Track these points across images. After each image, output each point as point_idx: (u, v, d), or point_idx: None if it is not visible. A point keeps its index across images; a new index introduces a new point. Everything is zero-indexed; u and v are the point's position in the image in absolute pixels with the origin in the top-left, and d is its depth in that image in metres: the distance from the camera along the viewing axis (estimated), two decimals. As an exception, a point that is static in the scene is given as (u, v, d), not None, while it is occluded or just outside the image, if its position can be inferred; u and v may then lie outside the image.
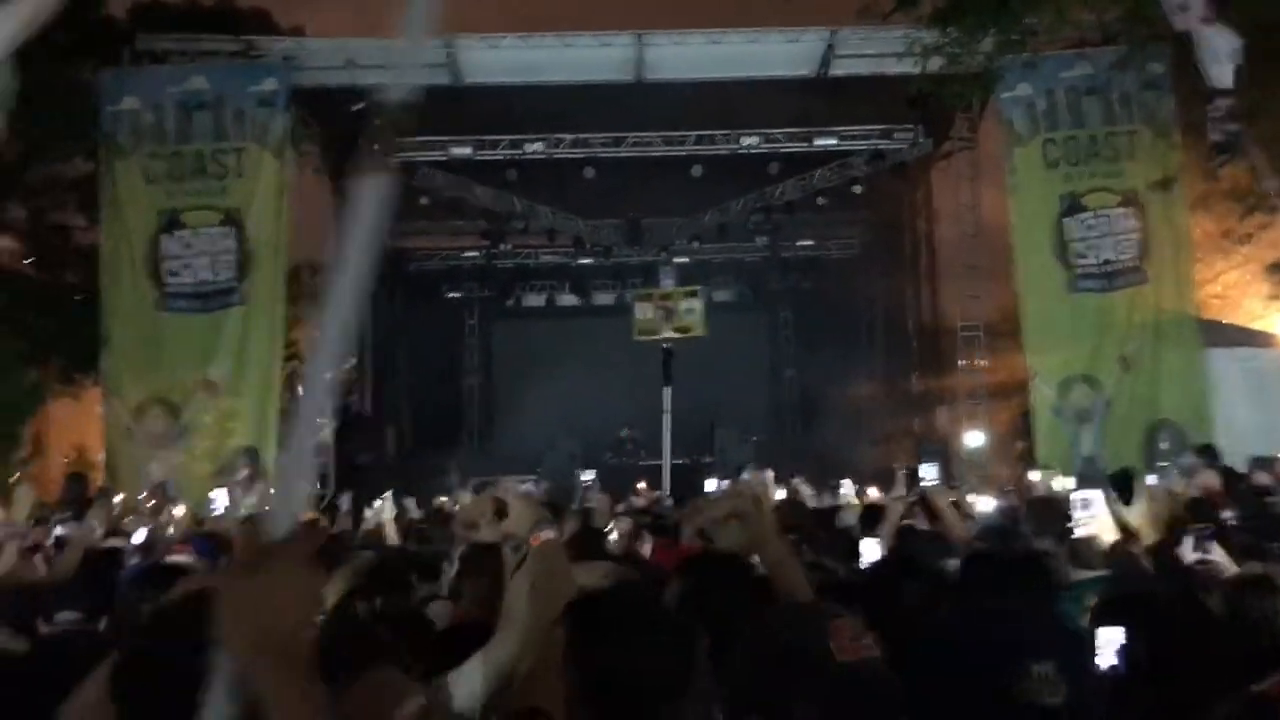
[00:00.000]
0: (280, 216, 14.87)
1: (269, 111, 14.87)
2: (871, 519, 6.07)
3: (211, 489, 11.85)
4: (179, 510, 8.04)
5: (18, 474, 10.66)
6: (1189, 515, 5.28)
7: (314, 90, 15.87)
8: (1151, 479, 8.59)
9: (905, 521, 5.71)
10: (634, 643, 1.71)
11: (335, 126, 16.76)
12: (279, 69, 15.22)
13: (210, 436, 14.46)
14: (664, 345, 16.27)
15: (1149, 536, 4.33)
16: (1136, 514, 4.54)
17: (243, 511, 9.12)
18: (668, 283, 18.62)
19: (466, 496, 9.31)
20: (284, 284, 15.06)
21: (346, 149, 16.91)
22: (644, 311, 16.84)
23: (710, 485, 9.29)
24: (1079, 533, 4.48)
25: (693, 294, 17.03)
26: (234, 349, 14.56)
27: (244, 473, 14.31)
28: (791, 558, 2.42)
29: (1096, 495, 4.34)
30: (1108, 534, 4.42)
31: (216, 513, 7.25)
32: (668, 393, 15.84)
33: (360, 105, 15.82)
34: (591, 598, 2.03)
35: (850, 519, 7.19)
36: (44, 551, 6.36)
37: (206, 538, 6.58)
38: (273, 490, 1.28)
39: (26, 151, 16.76)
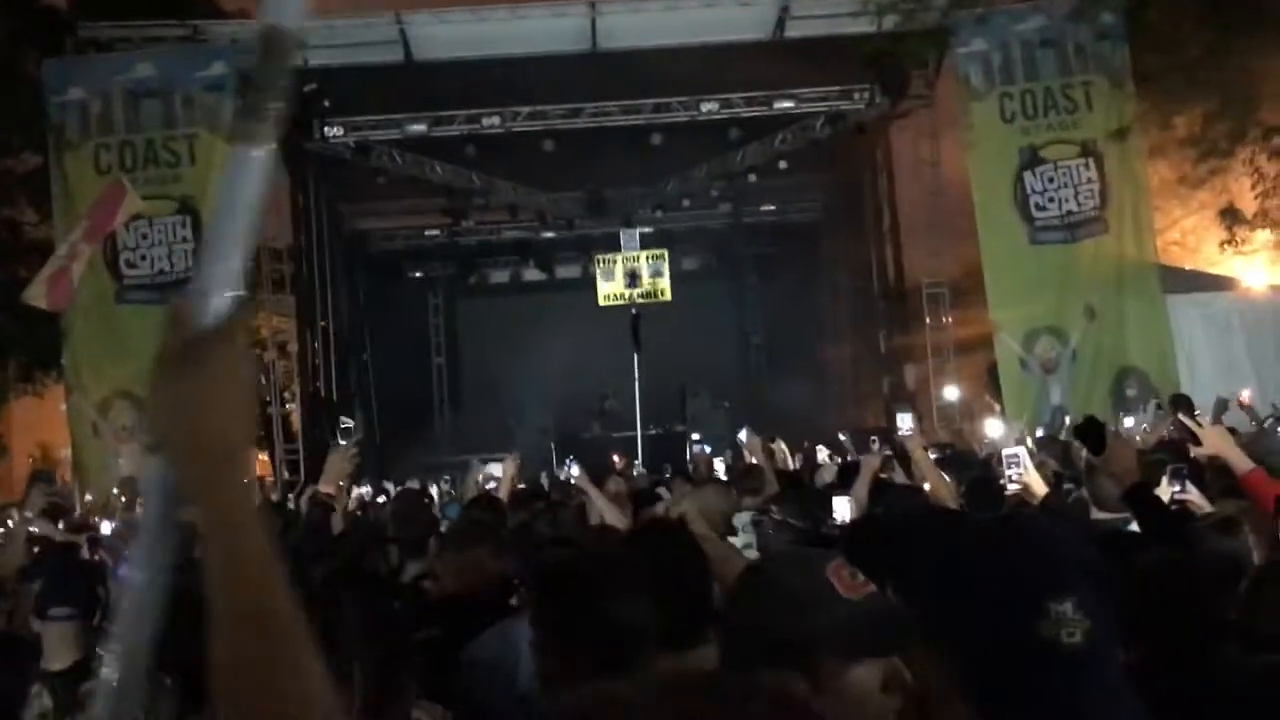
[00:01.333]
0: (235, 202, 14.62)
1: (218, 96, 14.62)
2: (848, 476, 6.07)
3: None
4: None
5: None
6: (1161, 457, 5.32)
7: (263, 72, 15.58)
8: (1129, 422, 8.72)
9: (882, 475, 5.69)
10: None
11: (287, 107, 16.51)
12: (226, 52, 14.96)
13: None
14: (631, 310, 16.19)
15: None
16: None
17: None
18: (631, 247, 18.51)
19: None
20: (243, 271, 14.84)
21: (301, 130, 16.71)
22: (609, 276, 16.72)
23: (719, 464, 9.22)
24: (1010, 490, 4.57)
25: (659, 257, 16.93)
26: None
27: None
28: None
29: (1021, 451, 4.48)
30: (1038, 488, 4.53)
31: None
32: (638, 359, 15.79)
33: (311, 86, 15.64)
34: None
35: (829, 477, 7.19)
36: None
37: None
38: (200, 263, 1.09)
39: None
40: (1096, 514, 4.38)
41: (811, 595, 1.49)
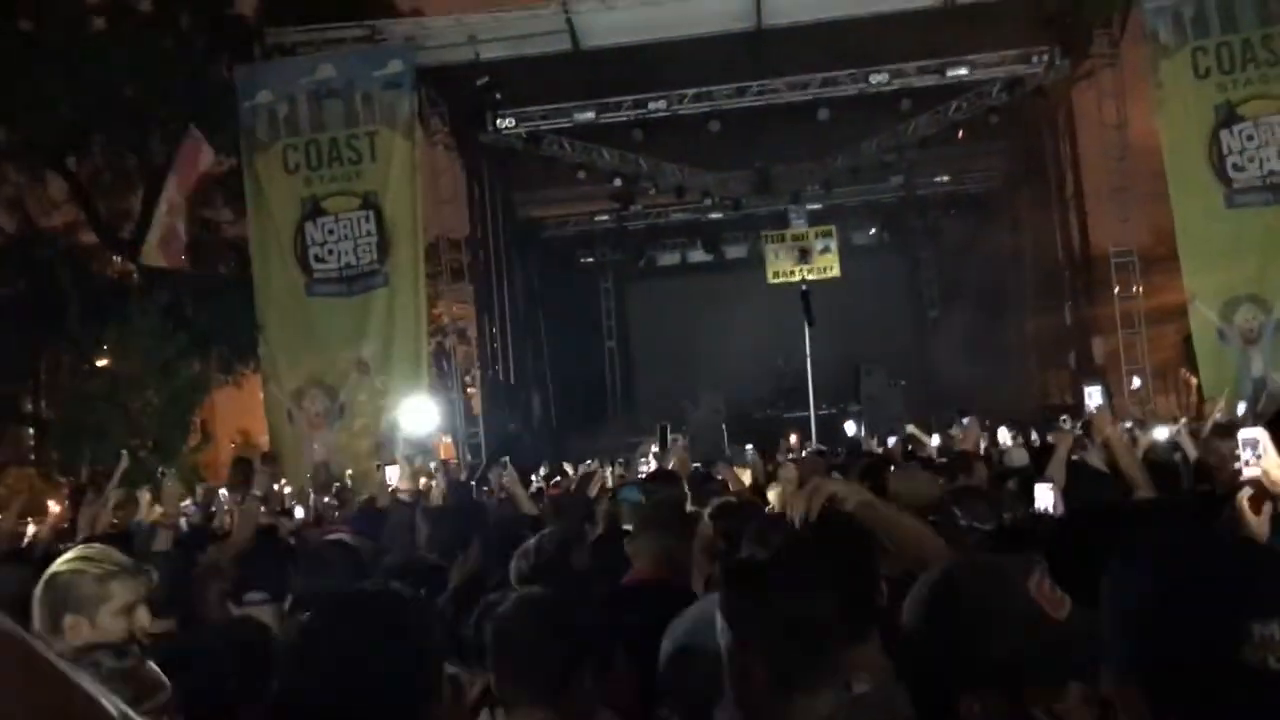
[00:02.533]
0: (414, 197, 15.17)
1: (396, 93, 15.14)
2: (1039, 460, 5.82)
3: (372, 463, 12.30)
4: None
5: (160, 470, 11.18)
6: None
7: (437, 69, 16.10)
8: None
9: (1074, 456, 5.41)
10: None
11: (460, 102, 16.99)
12: (402, 51, 15.47)
13: (366, 414, 14.94)
14: (801, 287, 15.99)
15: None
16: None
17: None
18: (799, 224, 18.22)
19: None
20: (423, 262, 15.40)
21: (474, 123, 17.16)
22: (777, 254, 16.53)
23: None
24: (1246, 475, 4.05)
25: (826, 233, 16.62)
26: (381, 328, 14.98)
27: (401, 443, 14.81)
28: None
29: (1261, 434, 3.91)
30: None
31: (392, 486, 7.55)
32: (808, 335, 15.58)
33: (484, 79, 16.02)
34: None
35: (1018, 460, 6.89)
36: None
37: (364, 515, 6.81)
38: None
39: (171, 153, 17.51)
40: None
41: (1015, 617, 1.43)
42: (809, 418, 15.50)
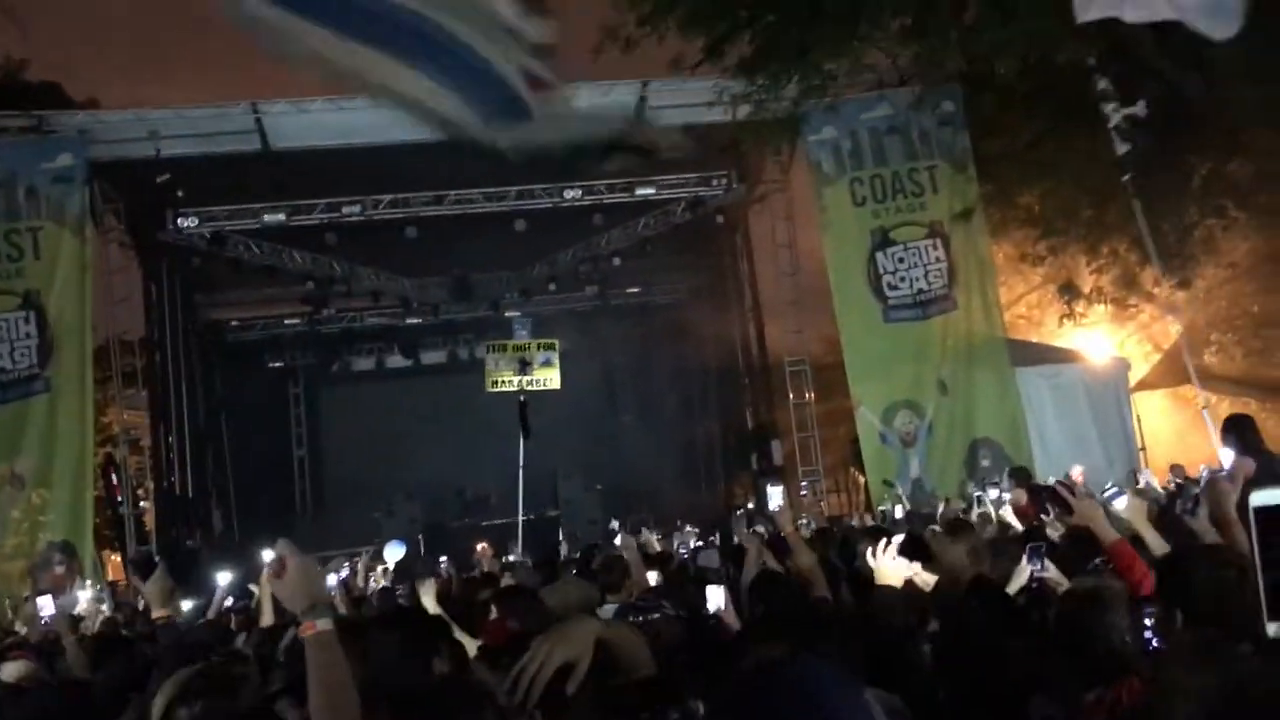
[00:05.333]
0: (84, 296, 14.15)
1: (65, 188, 14.17)
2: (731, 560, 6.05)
3: (24, 589, 11.08)
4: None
5: None
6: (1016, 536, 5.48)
7: (114, 163, 15.21)
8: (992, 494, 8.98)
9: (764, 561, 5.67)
10: None
11: (139, 198, 16.09)
12: (74, 143, 14.53)
13: (20, 533, 13.54)
14: (520, 398, 16.06)
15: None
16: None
17: (75, 612, 8.52)
18: (522, 334, 18.36)
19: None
20: (91, 366, 14.30)
21: (153, 221, 16.27)
22: (497, 363, 16.54)
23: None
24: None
25: (549, 345, 16.81)
26: (40, 439, 13.73)
27: (59, 569, 13.46)
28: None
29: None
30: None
31: (44, 620, 6.72)
32: (522, 445, 15.63)
33: (164, 176, 15.29)
34: None
35: (714, 561, 7.13)
36: None
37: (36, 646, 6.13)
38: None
39: None
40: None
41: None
42: (517, 524, 15.46)
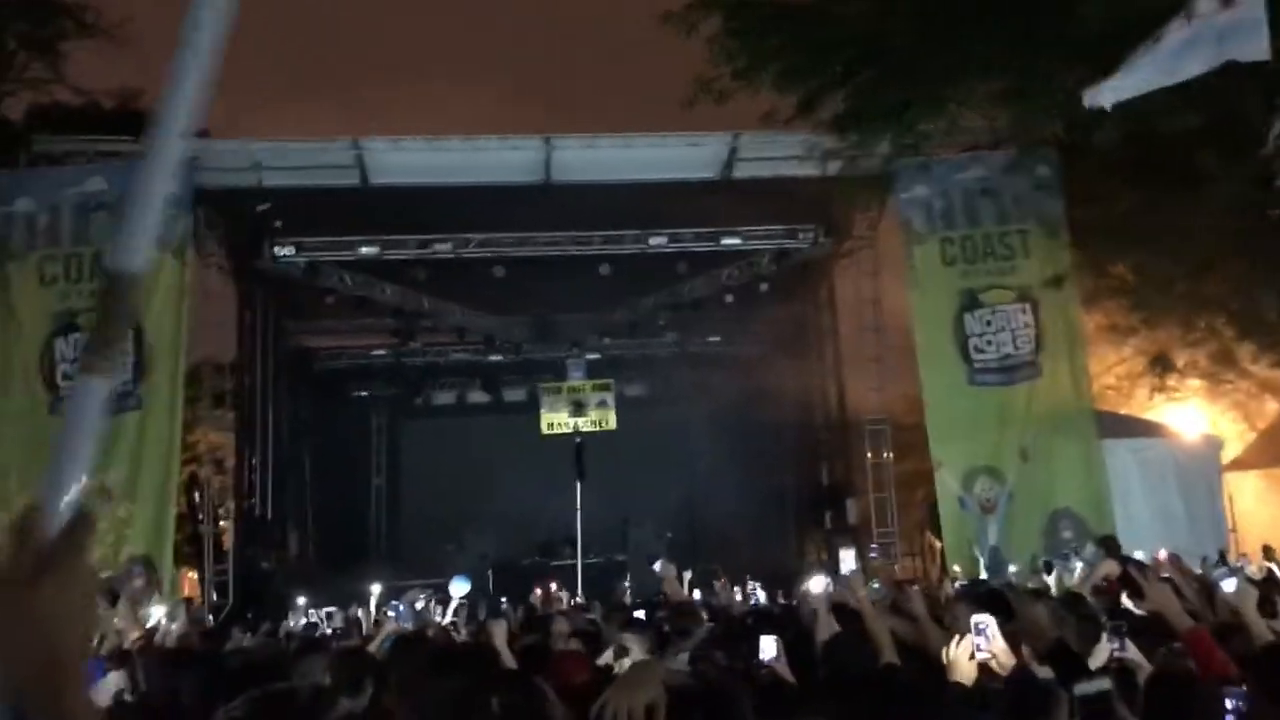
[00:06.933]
0: (180, 319, 14.58)
1: (170, 213, 14.59)
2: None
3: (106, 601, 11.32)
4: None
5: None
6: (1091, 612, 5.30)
7: (218, 191, 15.73)
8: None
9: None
10: None
11: (240, 226, 16.60)
12: (181, 170, 14.99)
13: (103, 544, 13.88)
14: (575, 439, 16.13)
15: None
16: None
17: (147, 625, 8.71)
18: (577, 375, 18.50)
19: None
20: (182, 386, 14.71)
21: (251, 249, 16.75)
22: (553, 405, 16.69)
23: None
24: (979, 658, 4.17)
25: (604, 387, 16.93)
26: (130, 453, 14.10)
27: (138, 582, 13.77)
28: None
29: (990, 621, 4.13)
30: (1006, 659, 4.15)
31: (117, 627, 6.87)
32: (579, 487, 15.67)
33: (265, 205, 15.76)
34: None
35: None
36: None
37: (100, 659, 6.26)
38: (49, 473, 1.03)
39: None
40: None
41: None
42: (575, 566, 15.51)
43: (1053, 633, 4.05)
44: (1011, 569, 10.89)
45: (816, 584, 7.97)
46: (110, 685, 4.70)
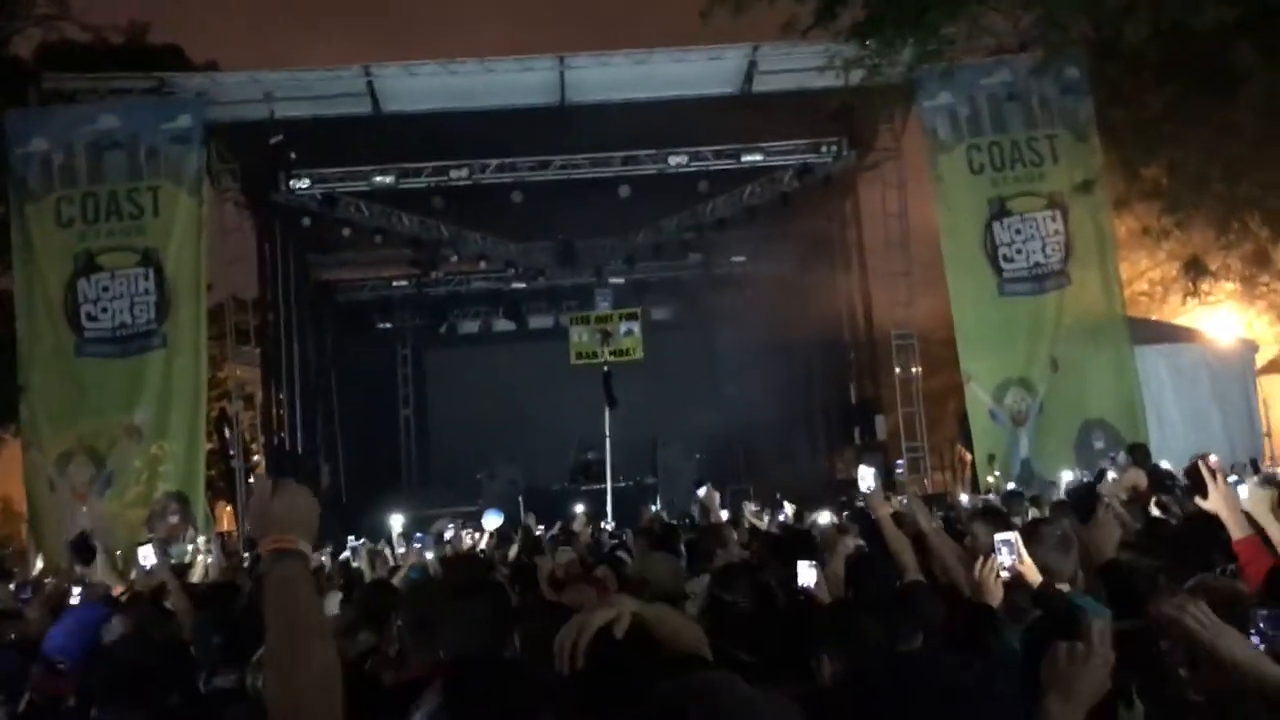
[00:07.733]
0: (199, 256, 14.53)
1: (184, 148, 14.53)
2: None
3: (145, 536, 11.44)
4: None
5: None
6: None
7: (230, 125, 15.57)
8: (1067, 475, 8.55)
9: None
10: None
11: (254, 159, 16.44)
12: (193, 105, 14.89)
13: (140, 482, 14.04)
14: (603, 368, 16.06)
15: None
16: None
17: (174, 561, 8.77)
18: (604, 305, 18.33)
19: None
20: (206, 323, 14.72)
21: (267, 182, 16.60)
22: (580, 335, 16.59)
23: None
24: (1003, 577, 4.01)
25: (631, 316, 16.77)
26: (157, 392, 14.16)
27: (173, 519, 13.91)
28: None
29: (1014, 537, 3.95)
30: (1032, 575, 3.98)
31: (147, 568, 6.85)
32: (608, 415, 15.65)
33: (278, 138, 15.58)
34: None
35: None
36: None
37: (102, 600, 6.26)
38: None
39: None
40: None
41: None
42: (605, 491, 15.54)
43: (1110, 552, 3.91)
44: (1065, 475, 10.68)
45: (823, 517, 7.96)
46: (115, 629, 4.69)
